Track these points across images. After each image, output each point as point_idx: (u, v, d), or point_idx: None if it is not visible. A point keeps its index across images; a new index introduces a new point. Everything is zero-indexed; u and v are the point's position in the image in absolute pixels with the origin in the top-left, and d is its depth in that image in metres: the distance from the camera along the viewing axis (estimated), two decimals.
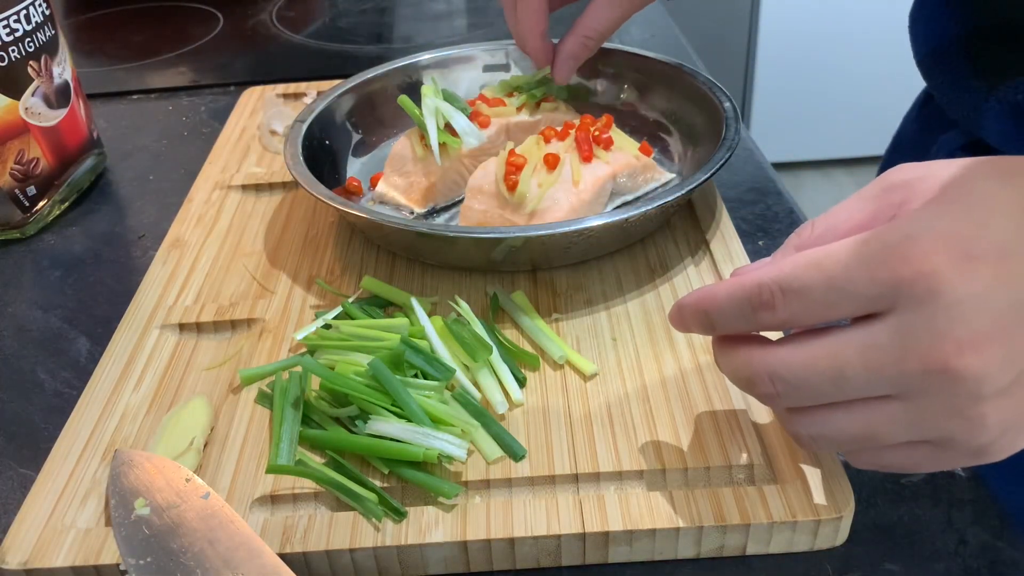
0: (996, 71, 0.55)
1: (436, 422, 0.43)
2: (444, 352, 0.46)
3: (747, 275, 0.35)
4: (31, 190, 0.66)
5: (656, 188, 0.62)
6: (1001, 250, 0.30)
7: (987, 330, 0.30)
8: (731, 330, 0.36)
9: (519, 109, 0.65)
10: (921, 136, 0.69)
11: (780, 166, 2.43)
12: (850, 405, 0.34)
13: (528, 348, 0.49)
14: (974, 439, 0.32)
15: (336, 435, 0.43)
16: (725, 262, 0.54)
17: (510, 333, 0.50)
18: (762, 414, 0.44)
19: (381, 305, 0.53)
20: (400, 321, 0.50)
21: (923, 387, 0.31)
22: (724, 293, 0.35)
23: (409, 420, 0.42)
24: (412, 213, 0.61)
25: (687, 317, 0.37)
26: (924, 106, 0.71)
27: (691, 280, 0.54)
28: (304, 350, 0.49)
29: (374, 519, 0.40)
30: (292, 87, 0.82)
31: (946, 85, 0.60)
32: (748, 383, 0.36)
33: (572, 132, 0.59)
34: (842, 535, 0.40)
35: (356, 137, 0.67)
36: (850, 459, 0.36)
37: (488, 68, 0.71)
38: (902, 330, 0.31)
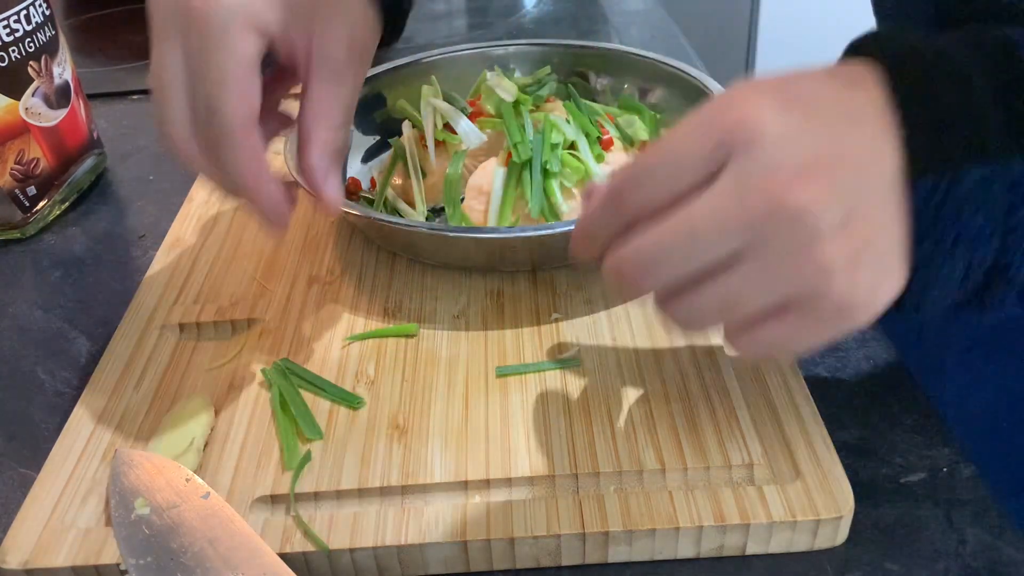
0: None
1: None
2: None
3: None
4: (31, 190, 0.66)
5: None
6: (807, 97, 0.33)
7: (809, 164, 0.32)
8: (608, 240, 0.36)
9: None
10: None
11: None
12: (712, 276, 0.34)
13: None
14: (829, 288, 0.33)
15: None
16: None
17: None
18: (762, 414, 0.44)
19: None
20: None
21: (766, 233, 0.32)
22: (594, 206, 0.37)
23: None
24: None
25: (577, 246, 0.38)
26: None
27: None
28: None
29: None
30: (292, 87, 0.82)
31: None
32: (620, 278, 0.36)
33: None
34: (842, 535, 0.40)
35: (356, 137, 0.67)
36: (732, 343, 0.36)
37: (488, 68, 0.71)
38: (738, 174, 0.33)
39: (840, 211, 0.32)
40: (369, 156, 0.68)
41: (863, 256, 0.33)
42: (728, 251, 0.33)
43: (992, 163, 0.33)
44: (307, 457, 0.43)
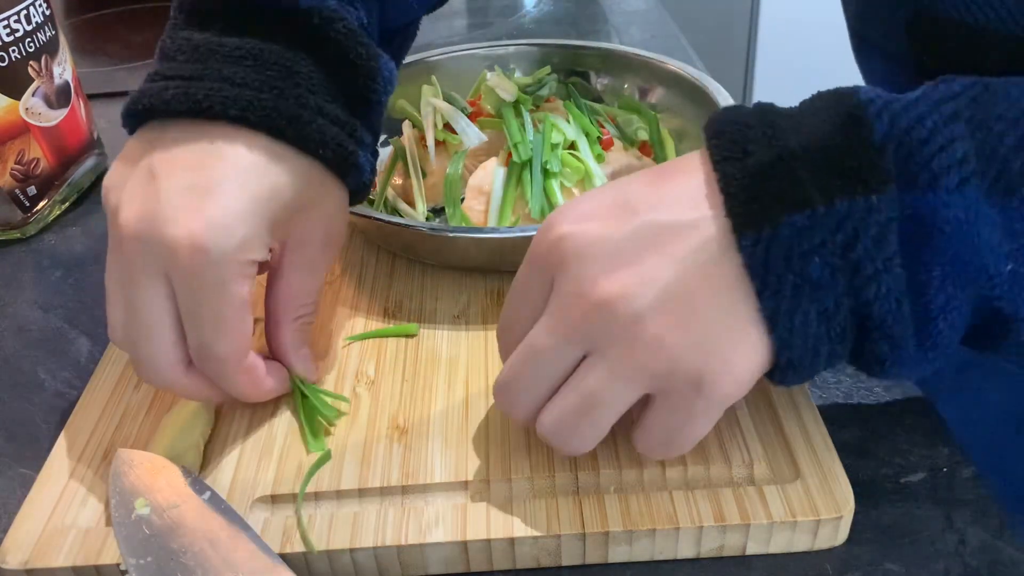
0: None
1: None
2: None
3: None
4: (31, 190, 0.66)
5: None
6: (606, 202, 0.36)
7: (613, 260, 0.35)
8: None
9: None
10: None
11: None
12: (568, 384, 0.37)
13: None
14: (672, 365, 0.34)
15: None
16: None
17: None
18: (762, 413, 0.44)
19: None
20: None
21: (596, 332, 0.35)
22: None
23: None
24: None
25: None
26: None
27: None
28: None
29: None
30: None
31: None
32: (499, 406, 0.40)
33: None
34: (842, 535, 0.40)
35: None
36: (639, 446, 0.38)
37: (488, 68, 0.71)
38: (560, 290, 0.36)
39: (653, 290, 0.34)
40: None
41: (692, 324, 0.34)
42: (570, 360, 0.36)
43: (809, 208, 0.33)
44: (327, 456, 0.43)
